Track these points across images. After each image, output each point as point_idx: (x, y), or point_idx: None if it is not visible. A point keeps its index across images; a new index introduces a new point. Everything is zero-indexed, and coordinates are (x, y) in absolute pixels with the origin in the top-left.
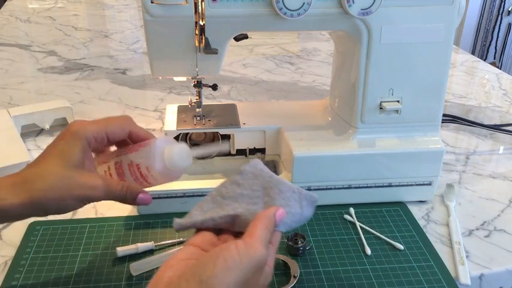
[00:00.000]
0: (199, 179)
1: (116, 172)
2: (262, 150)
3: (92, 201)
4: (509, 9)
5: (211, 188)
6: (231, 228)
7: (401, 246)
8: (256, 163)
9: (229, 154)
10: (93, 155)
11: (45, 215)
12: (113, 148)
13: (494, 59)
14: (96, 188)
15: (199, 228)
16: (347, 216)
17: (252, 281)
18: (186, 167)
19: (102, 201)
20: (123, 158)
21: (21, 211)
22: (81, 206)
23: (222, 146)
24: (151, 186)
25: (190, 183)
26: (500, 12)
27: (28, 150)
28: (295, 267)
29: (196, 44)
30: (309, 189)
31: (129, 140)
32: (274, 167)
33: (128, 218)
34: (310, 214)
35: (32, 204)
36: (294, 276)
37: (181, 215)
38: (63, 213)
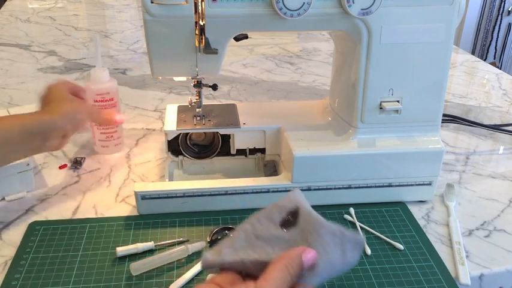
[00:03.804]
0: (199, 179)
1: None
2: (262, 150)
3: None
4: (509, 9)
5: (211, 187)
6: (260, 273)
7: (401, 246)
8: (296, 196)
9: (229, 154)
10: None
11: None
12: None
13: (494, 59)
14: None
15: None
16: (347, 216)
17: None
18: None
19: (103, 202)
20: None
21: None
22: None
23: None
24: None
25: (190, 183)
26: (500, 12)
27: None
28: None
29: (196, 44)
30: (309, 189)
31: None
32: (274, 166)
33: (128, 218)
34: (355, 260)
35: (26, 128)
36: None
37: (181, 215)
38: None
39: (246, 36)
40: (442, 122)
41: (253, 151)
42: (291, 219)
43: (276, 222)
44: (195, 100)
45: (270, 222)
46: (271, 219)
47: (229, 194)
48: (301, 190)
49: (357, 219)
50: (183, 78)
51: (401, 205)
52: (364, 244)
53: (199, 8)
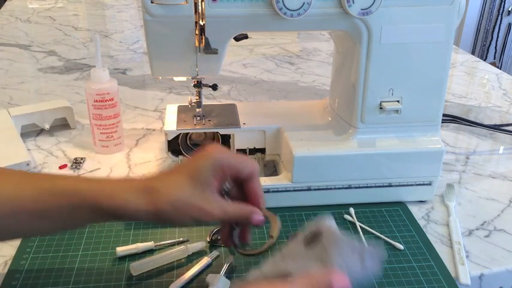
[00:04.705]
0: None
1: None
2: (262, 150)
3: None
4: (509, 9)
5: None
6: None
7: (401, 246)
8: (325, 220)
9: None
10: None
11: (162, 224)
12: None
13: (494, 59)
14: (212, 215)
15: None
16: (347, 216)
17: None
18: None
19: None
20: None
21: (143, 217)
22: (194, 225)
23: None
24: None
25: None
26: (500, 12)
27: (28, 150)
28: None
29: (196, 44)
30: (309, 189)
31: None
32: (274, 166)
33: None
34: (375, 269)
35: (154, 213)
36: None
37: None
38: (177, 226)
39: (246, 36)
40: (442, 122)
41: (253, 151)
42: (314, 237)
43: (299, 240)
44: (195, 100)
45: (295, 242)
46: (296, 239)
47: None
48: (301, 190)
49: (357, 219)
50: (183, 78)
51: (401, 205)
52: (383, 253)
53: (199, 8)
